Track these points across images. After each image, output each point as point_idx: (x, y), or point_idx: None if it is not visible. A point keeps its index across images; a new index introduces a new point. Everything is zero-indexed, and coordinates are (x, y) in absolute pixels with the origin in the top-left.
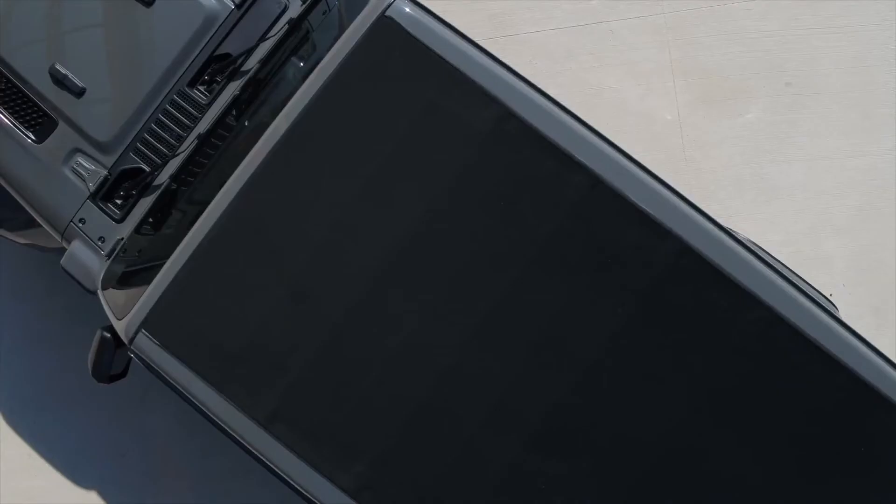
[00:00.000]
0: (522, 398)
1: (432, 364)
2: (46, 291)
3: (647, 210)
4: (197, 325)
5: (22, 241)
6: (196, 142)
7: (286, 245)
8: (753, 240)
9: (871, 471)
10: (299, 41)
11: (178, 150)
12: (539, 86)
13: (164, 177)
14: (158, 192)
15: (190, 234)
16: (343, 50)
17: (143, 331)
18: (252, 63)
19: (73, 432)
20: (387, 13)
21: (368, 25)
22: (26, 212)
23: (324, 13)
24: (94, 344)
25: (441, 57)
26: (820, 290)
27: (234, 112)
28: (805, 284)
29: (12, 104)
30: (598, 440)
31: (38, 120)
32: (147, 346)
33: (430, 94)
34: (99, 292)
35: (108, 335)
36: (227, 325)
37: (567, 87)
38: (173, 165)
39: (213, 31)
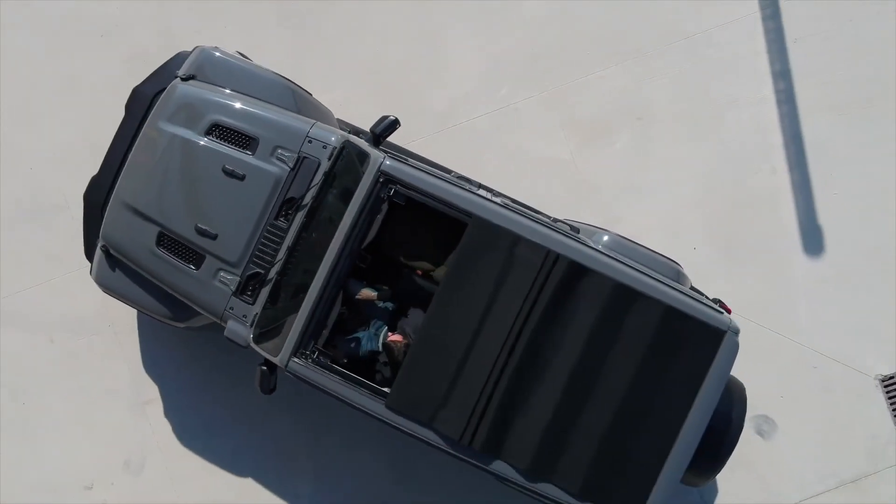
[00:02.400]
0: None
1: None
2: (194, 356)
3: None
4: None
5: (182, 325)
6: (287, 251)
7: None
8: (636, 230)
9: (675, 357)
10: (332, 180)
11: (278, 258)
12: (463, 183)
13: (272, 273)
14: (271, 283)
15: (302, 305)
16: (369, 192)
17: (291, 357)
18: (308, 199)
19: (229, 442)
20: (382, 168)
21: (377, 172)
22: (186, 308)
23: (341, 160)
24: (258, 374)
25: (395, 174)
26: (680, 248)
27: (304, 229)
28: (655, 254)
29: (177, 250)
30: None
31: (193, 257)
32: (296, 367)
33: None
34: (252, 346)
35: (265, 367)
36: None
37: (496, 151)
38: (277, 266)
39: (281, 185)
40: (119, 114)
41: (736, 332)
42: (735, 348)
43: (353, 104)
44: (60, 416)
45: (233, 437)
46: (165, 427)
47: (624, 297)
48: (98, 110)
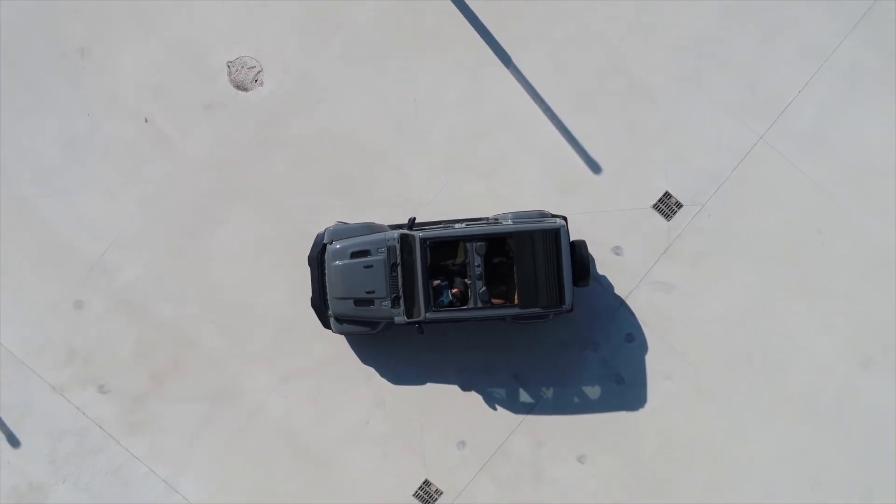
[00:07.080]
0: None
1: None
2: (380, 345)
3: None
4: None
5: (374, 332)
6: (402, 284)
7: None
8: (526, 204)
9: (550, 245)
10: (403, 250)
11: (399, 286)
12: (448, 226)
13: (400, 293)
14: (402, 297)
15: (418, 297)
16: (420, 249)
17: (425, 314)
18: (398, 261)
19: (411, 370)
20: (420, 237)
21: (419, 241)
22: (375, 323)
23: (403, 242)
24: (416, 329)
25: (426, 237)
26: (546, 201)
27: (404, 273)
28: (530, 211)
29: (363, 303)
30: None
31: (370, 302)
32: (430, 315)
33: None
34: (408, 321)
35: (417, 326)
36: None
37: (453, 205)
38: (400, 290)
39: (388, 260)
40: (298, 270)
41: (564, 226)
42: (567, 232)
43: (386, 214)
44: (338, 397)
45: (414, 368)
46: (384, 382)
47: (526, 236)
48: (290, 272)
